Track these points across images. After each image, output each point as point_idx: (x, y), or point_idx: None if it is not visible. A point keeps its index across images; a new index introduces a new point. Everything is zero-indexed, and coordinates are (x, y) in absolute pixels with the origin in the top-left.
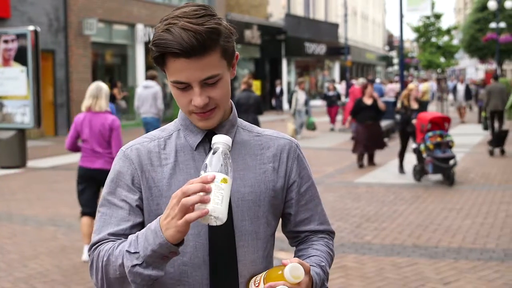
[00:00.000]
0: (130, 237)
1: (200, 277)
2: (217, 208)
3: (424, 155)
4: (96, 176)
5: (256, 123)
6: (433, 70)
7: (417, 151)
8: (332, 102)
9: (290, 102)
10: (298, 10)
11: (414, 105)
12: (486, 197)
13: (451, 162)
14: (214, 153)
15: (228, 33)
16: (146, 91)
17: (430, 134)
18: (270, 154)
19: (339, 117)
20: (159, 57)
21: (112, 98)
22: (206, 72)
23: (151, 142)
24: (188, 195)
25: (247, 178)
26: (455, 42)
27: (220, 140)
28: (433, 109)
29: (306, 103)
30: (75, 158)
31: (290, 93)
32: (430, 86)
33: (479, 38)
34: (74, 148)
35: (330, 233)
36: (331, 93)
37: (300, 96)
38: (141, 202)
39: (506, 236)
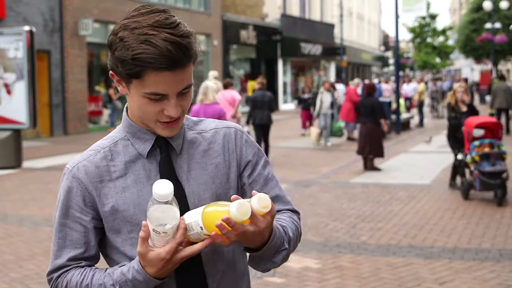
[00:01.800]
0: (106, 280)
1: (166, 280)
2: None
3: (472, 168)
4: None
5: (269, 118)
6: (429, 70)
7: (462, 163)
8: (308, 105)
9: (314, 104)
10: (294, 10)
11: (463, 108)
12: (482, 197)
13: (504, 175)
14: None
15: (197, 41)
16: None
17: (476, 143)
18: (218, 147)
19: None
20: (138, 71)
21: (109, 99)
22: (184, 83)
23: (97, 154)
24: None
25: (200, 176)
26: (451, 42)
27: (165, 193)
28: (427, 110)
29: (332, 105)
30: (70, 158)
31: (314, 95)
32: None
33: (474, 38)
34: None
35: (295, 212)
36: (306, 95)
37: (325, 97)
38: (96, 221)
39: (501, 236)
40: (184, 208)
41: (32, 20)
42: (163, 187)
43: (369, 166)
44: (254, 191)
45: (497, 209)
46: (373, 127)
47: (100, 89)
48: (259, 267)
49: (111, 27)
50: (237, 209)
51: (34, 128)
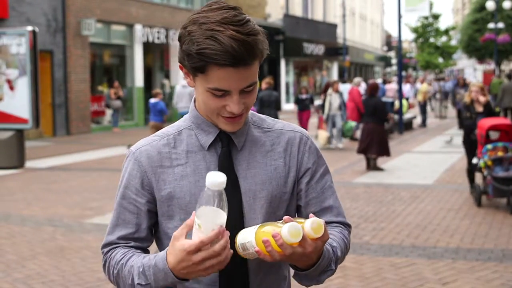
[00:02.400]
0: (136, 262)
1: (209, 277)
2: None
3: (485, 173)
4: None
5: (276, 116)
6: (431, 70)
7: (478, 168)
8: (305, 107)
9: (323, 106)
10: (297, 10)
11: (479, 108)
12: (485, 197)
13: None
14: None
15: (265, 39)
16: (184, 90)
17: (489, 146)
18: (281, 149)
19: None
20: (202, 66)
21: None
22: (248, 81)
23: (161, 140)
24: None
25: (258, 176)
26: (453, 42)
27: (217, 182)
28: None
29: (340, 107)
30: (73, 158)
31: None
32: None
33: (477, 38)
34: None
35: (346, 225)
36: (304, 96)
37: (334, 99)
38: (151, 204)
39: (504, 236)
40: (238, 204)
41: (34, 20)
42: (217, 175)
43: (372, 166)
44: (311, 214)
45: (500, 209)
46: (375, 126)
47: (103, 89)
48: (303, 282)
49: (114, 27)
50: (289, 230)
51: (37, 128)
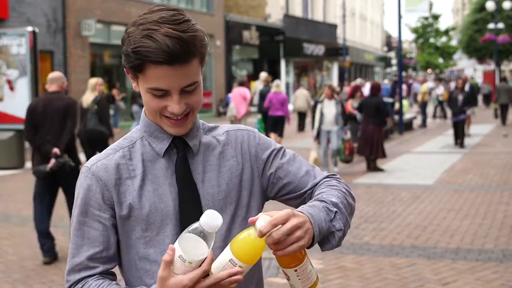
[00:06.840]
0: None
1: None
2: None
3: None
4: (277, 118)
5: None
6: (432, 70)
7: None
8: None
9: (313, 118)
10: (297, 10)
11: None
12: (485, 198)
13: None
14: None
15: (205, 39)
16: (266, 88)
17: None
18: (231, 150)
19: None
20: (138, 64)
21: (112, 99)
22: (187, 79)
23: (116, 153)
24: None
25: (215, 178)
26: (453, 43)
27: (215, 224)
28: (431, 111)
29: (337, 120)
30: None
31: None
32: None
33: (477, 39)
34: (268, 106)
35: (329, 176)
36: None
37: (327, 108)
38: (115, 219)
39: (505, 236)
40: (197, 209)
41: (35, 20)
42: (214, 217)
43: (372, 166)
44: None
45: (500, 209)
46: (374, 128)
47: (103, 90)
48: (325, 246)
49: (114, 27)
50: (264, 220)
51: None
